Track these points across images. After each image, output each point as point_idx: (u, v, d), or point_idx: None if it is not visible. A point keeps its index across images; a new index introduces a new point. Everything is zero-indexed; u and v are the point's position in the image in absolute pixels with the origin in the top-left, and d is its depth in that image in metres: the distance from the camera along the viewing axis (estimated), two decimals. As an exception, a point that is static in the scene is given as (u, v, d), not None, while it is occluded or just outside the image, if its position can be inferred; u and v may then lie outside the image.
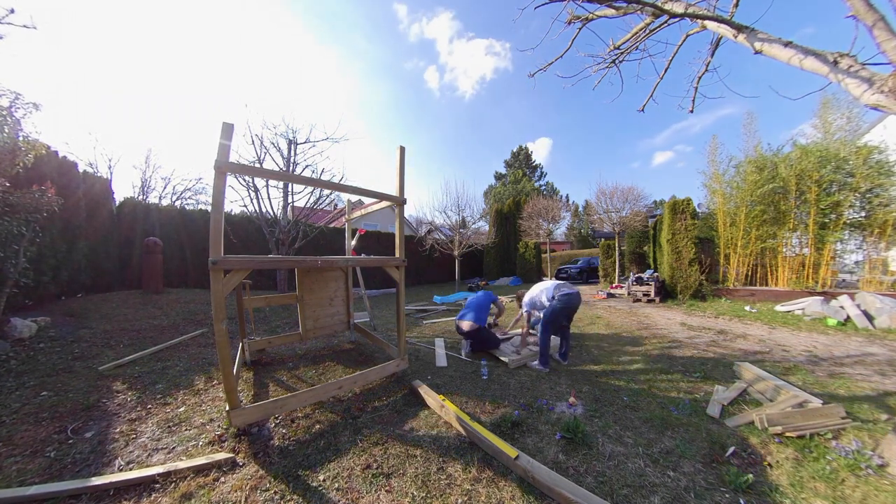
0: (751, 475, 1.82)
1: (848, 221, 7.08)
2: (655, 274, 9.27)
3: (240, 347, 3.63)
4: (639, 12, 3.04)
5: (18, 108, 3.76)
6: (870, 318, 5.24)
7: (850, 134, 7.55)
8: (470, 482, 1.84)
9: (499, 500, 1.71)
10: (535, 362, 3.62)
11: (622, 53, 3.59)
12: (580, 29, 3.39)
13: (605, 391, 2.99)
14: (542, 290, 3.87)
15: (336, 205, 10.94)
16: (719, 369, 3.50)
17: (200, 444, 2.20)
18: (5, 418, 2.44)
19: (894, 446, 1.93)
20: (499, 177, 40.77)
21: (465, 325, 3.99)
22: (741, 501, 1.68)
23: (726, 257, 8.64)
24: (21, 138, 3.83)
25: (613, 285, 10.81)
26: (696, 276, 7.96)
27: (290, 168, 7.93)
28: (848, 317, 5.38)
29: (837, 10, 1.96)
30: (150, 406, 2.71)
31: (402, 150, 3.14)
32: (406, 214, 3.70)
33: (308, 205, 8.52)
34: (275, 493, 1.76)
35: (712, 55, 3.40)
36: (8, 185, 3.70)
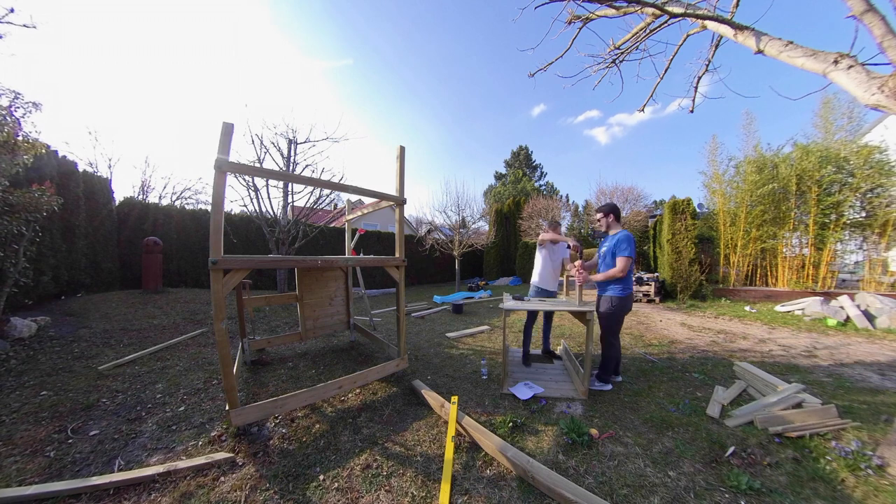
0: (750, 475, 1.82)
1: (848, 221, 7.07)
2: (656, 274, 9.27)
3: (240, 347, 3.63)
4: (639, 12, 3.04)
5: (18, 107, 3.76)
6: (870, 318, 5.23)
7: (851, 134, 7.55)
8: (470, 482, 1.84)
9: (499, 500, 1.71)
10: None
11: (622, 53, 3.59)
12: (580, 29, 3.39)
13: (605, 391, 2.98)
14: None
15: (336, 205, 10.93)
16: (719, 369, 3.49)
17: (200, 443, 2.19)
18: (5, 418, 2.44)
19: (894, 446, 1.92)
20: (499, 177, 40.70)
21: None
22: (741, 502, 1.68)
23: (726, 257, 8.64)
24: (21, 137, 3.82)
25: (613, 285, 10.76)
26: (696, 276, 7.95)
27: (290, 168, 7.92)
28: (848, 317, 5.38)
29: (837, 10, 1.96)
30: (149, 406, 2.70)
31: (402, 149, 3.14)
32: (406, 214, 3.69)
33: (308, 205, 8.51)
34: (274, 493, 1.76)
35: (712, 55, 3.40)
36: (8, 184, 3.70)
